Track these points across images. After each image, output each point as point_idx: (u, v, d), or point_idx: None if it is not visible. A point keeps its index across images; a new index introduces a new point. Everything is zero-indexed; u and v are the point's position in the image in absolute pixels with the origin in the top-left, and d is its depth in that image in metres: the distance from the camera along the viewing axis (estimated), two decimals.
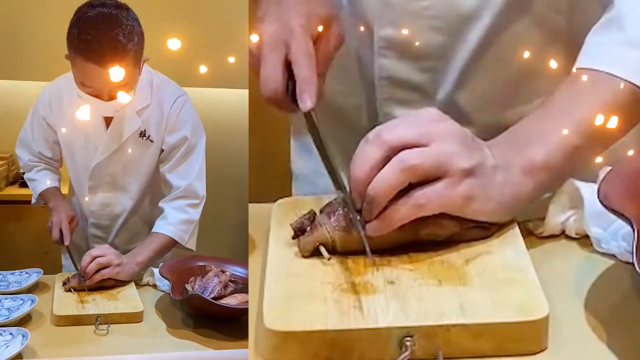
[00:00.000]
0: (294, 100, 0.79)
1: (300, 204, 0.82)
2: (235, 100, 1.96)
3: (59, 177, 1.72)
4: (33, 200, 1.71)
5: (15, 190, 2.10)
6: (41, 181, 1.70)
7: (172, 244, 1.58)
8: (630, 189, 0.67)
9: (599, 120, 0.74)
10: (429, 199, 0.70)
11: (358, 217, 0.71)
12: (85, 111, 1.57)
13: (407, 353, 0.61)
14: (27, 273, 1.46)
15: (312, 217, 0.76)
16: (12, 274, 1.46)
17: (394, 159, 0.70)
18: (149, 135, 1.60)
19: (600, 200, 0.67)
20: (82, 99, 1.50)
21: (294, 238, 0.76)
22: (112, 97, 1.48)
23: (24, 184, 2.08)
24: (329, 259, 0.72)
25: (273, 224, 0.81)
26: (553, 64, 0.83)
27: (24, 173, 2.11)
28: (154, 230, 1.58)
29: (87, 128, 1.61)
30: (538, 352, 0.62)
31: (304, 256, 0.74)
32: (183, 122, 1.61)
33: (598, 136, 0.76)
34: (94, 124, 1.59)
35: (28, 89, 1.98)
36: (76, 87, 1.49)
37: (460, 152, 0.71)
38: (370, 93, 1.01)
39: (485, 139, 0.77)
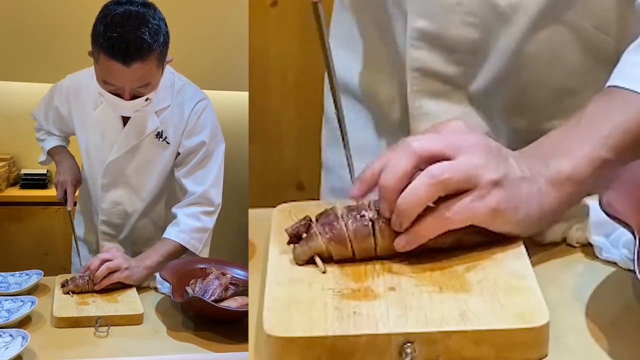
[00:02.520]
0: None
1: (300, 210, 0.81)
2: (237, 102, 1.97)
3: (67, 142, 1.74)
4: (42, 158, 1.72)
5: (15, 192, 2.10)
6: (50, 140, 1.70)
7: (182, 251, 1.56)
8: (634, 197, 0.67)
9: (628, 135, 0.74)
10: (455, 212, 0.69)
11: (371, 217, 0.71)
12: (104, 109, 1.56)
13: (407, 359, 0.61)
14: (27, 274, 1.45)
15: (307, 223, 0.75)
16: (12, 275, 1.46)
17: (423, 173, 0.69)
18: (166, 137, 1.58)
19: (602, 208, 0.66)
20: (102, 95, 1.48)
21: (289, 244, 0.76)
22: (133, 97, 1.46)
23: (24, 186, 2.09)
24: (324, 272, 0.72)
25: (273, 230, 0.81)
26: (600, 85, 0.81)
27: (24, 174, 2.11)
28: (164, 236, 1.56)
29: (104, 125, 1.59)
30: None
31: (298, 264, 0.73)
32: (202, 126, 1.59)
33: (626, 151, 0.75)
34: (111, 121, 1.57)
35: (27, 91, 1.98)
36: (96, 83, 1.46)
37: (487, 163, 0.70)
38: (403, 84, 1.00)
39: (516, 148, 0.76)
